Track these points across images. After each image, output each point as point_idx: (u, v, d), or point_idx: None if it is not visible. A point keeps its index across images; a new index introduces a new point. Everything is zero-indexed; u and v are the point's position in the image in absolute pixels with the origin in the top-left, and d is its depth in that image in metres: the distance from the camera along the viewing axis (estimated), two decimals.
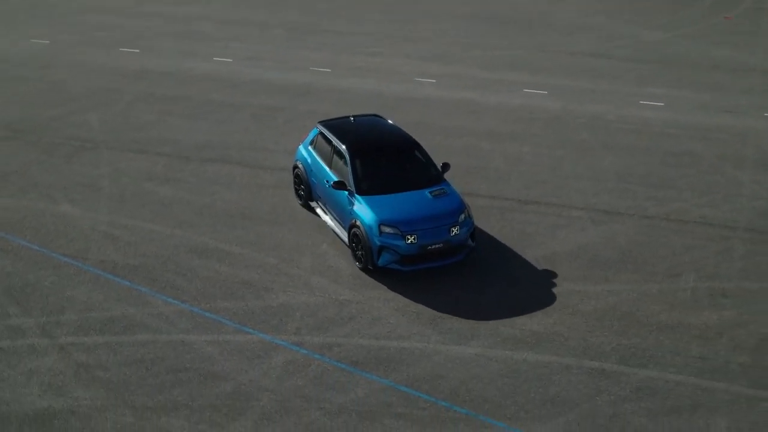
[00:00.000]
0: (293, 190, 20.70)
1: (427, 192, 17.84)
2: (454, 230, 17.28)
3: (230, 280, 17.89)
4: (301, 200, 20.30)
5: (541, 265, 18.20)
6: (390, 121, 20.15)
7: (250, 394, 14.84)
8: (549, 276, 17.84)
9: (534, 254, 18.60)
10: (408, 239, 17.09)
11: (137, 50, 31.52)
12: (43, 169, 22.76)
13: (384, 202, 17.62)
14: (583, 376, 15.14)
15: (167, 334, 16.37)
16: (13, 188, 21.83)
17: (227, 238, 19.45)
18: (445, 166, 18.55)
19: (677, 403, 14.50)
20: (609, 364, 15.43)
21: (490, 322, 16.52)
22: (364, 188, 17.90)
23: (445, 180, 18.33)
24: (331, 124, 19.67)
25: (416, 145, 18.86)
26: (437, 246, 17.18)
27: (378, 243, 17.16)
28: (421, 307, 16.93)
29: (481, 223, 19.64)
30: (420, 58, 30.60)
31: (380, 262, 17.27)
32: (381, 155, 18.57)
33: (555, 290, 17.41)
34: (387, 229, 17.15)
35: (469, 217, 17.65)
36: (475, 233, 17.95)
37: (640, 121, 24.96)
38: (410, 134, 19.64)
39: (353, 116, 20.02)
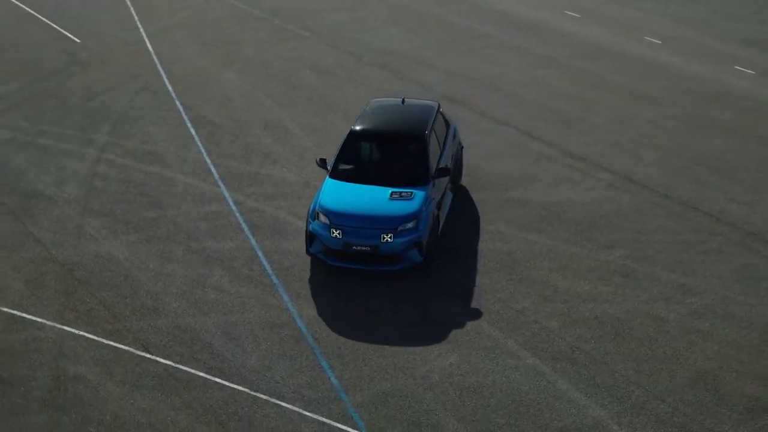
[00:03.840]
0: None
1: (390, 191, 16.42)
2: (387, 237, 15.84)
3: (258, 150, 21.10)
4: None
5: (496, 206, 18.73)
6: (433, 113, 18.05)
7: (158, 224, 18.26)
8: (488, 215, 18.34)
9: (507, 196, 19.08)
10: (333, 233, 15.99)
11: None
12: (253, 46, 27.44)
13: (338, 189, 16.53)
14: (381, 288, 16.13)
15: (170, 172, 20.24)
16: (221, 53, 26.84)
17: (301, 120, 22.53)
18: (443, 171, 16.88)
19: (426, 331, 15.15)
20: (423, 290, 16.22)
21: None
22: (336, 172, 16.92)
23: (426, 184, 16.56)
24: (377, 102, 18.67)
25: (420, 142, 17.05)
26: (363, 248, 15.98)
27: (310, 229, 16.30)
28: None
29: (509, 163, 20.30)
30: (675, 19, 29.66)
31: (311, 249, 16.36)
32: (375, 144, 17.39)
33: (474, 228, 18.02)
34: (321, 217, 16.14)
35: (416, 230, 15.97)
36: (424, 249, 16.14)
37: None
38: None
39: (404, 99, 18.61)
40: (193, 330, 15.16)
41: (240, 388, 13.91)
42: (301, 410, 13.47)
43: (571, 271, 16.60)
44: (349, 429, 13.15)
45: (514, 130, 21.87)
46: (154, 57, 26.55)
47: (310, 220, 16.33)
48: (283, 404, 13.59)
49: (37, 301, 15.90)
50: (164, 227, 18.05)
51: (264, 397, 13.74)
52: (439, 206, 16.92)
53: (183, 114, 22.80)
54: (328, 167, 17.17)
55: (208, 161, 20.52)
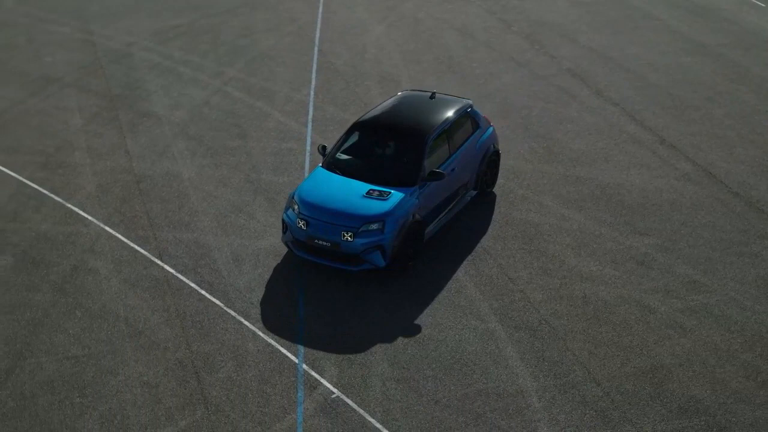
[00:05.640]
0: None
1: (368, 188, 15.65)
2: (347, 236, 15.10)
3: (361, 99, 22.09)
4: None
5: (554, 180, 18.64)
6: (454, 113, 17.00)
7: (234, 152, 19.73)
8: (540, 187, 18.29)
9: (571, 172, 18.94)
10: (299, 223, 15.47)
11: None
12: (415, 3, 28.35)
13: (320, 179, 15.97)
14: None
15: (271, 108, 21.71)
16: (382, 7, 28.03)
17: (417, 76, 23.25)
18: (435, 175, 15.72)
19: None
20: (430, 247, 16.72)
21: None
22: (328, 161, 16.40)
23: (411, 187, 15.65)
24: (403, 94, 17.88)
25: (419, 142, 16.10)
26: (324, 243, 15.33)
27: (283, 217, 15.91)
28: None
29: (593, 141, 20.06)
30: None
31: (283, 237, 15.95)
32: (375, 138, 16.58)
33: (519, 197, 18.15)
34: (294, 206, 15.66)
35: (380, 233, 15.16)
36: (389, 253, 15.27)
37: None
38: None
39: (434, 93, 17.66)
40: (207, 247, 16.54)
41: (216, 302, 15.15)
42: (256, 330, 14.52)
43: (588, 251, 16.44)
44: (287, 354, 14.05)
45: (621, 111, 21.46)
46: (320, 4, 28.05)
47: (287, 208, 15.85)
48: (245, 322, 14.69)
49: (97, 202, 17.87)
50: (237, 156, 19.53)
51: (232, 313, 14.89)
52: (434, 212, 16.17)
53: (314, 59, 24.16)
54: (324, 156, 16.61)
55: (311, 104, 21.76)
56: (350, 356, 13.98)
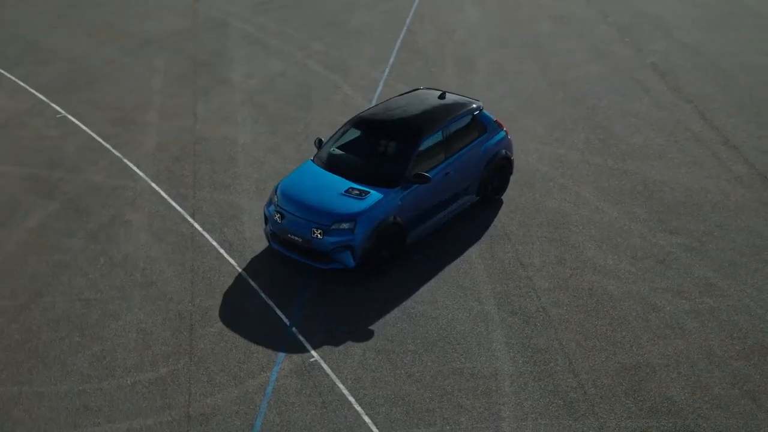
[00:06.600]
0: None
1: (348, 185, 15.40)
2: (317, 233, 14.90)
3: (433, 79, 22.32)
4: None
5: (599, 172, 18.36)
6: (457, 115, 16.49)
7: (293, 122, 20.33)
8: (582, 178, 18.04)
9: (619, 166, 18.63)
10: (276, 215, 15.35)
11: None
12: None
13: (305, 173, 15.83)
14: None
15: (342, 82, 22.18)
16: None
17: (497, 62, 23.23)
18: (419, 177, 15.30)
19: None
20: (451, 229, 16.87)
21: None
22: (319, 156, 16.22)
23: (393, 188, 15.29)
24: (414, 92, 17.48)
25: (409, 144, 15.65)
26: (296, 238, 15.17)
27: (264, 210, 15.81)
28: None
29: (652, 137, 19.62)
30: None
31: (265, 229, 15.85)
32: (368, 136, 16.20)
33: (556, 186, 18.04)
34: (275, 198, 15.56)
35: (351, 233, 14.89)
36: (360, 254, 14.99)
37: None
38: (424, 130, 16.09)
39: (445, 93, 17.12)
40: (239, 208, 17.20)
41: (231, 261, 15.80)
42: (259, 291, 15.09)
43: (610, 245, 16.22)
44: (280, 315, 14.57)
45: (692, 109, 20.89)
46: None
47: (269, 201, 15.76)
48: (251, 282, 15.29)
49: (152, 160, 18.82)
50: (296, 126, 20.12)
51: (242, 273, 15.51)
52: (422, 215, 15.81)
53: (401, 38, 24.48)
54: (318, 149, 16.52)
55: (381, 81, 22.12)
56: (341, 324, 14.34)
